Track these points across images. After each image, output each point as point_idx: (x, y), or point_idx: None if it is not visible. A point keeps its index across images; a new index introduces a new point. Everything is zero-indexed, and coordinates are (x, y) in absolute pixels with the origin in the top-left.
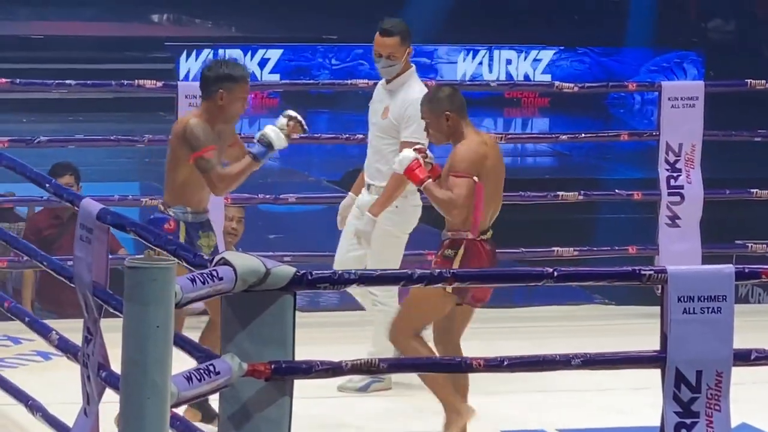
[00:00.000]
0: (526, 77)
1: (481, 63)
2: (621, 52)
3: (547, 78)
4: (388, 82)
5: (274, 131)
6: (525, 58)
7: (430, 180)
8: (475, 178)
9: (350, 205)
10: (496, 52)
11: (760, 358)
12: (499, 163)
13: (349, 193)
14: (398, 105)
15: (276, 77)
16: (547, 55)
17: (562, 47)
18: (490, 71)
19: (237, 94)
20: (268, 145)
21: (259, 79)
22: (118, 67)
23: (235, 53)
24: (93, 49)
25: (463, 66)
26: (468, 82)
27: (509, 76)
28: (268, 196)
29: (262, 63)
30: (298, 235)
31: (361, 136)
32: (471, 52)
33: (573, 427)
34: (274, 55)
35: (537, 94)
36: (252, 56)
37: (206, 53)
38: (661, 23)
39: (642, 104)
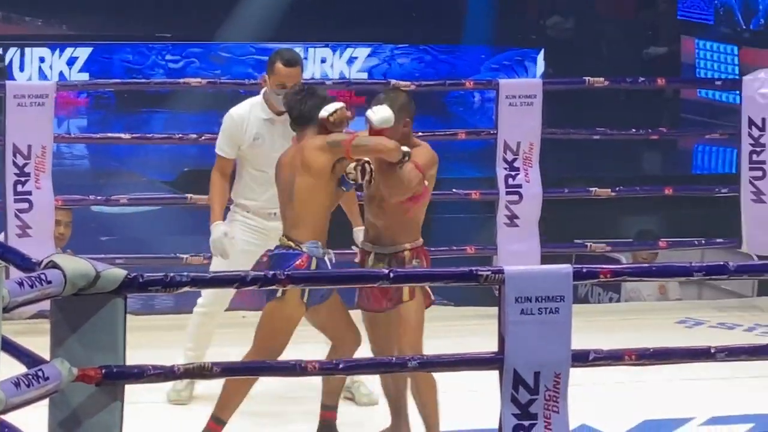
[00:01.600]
0: (342, 76)
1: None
2: (460, 49)
3: (364, 76)
4: (280, 113)
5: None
6: (340, 56)
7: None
8: (426, 182)
9: (225, 233)
10: (310, 51)
11: (599, 358)
12: None
13: (217, 222)
14: None
15: (85, 76)
16: (362, 52)
17: (403, 45)
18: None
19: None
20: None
21: (67, 78)
22: None
23: (43, 52)
24: None
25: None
26: (310, 80)
27: (324, 74)
28: (99, 197)
29: (71, 61)
30: (131, 237)
31: (194, 135)
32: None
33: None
34: (83, 53)
35: (353, 93)
36: (60, 54)
37: (13, 52)
38: (500, 21)
39: (481, 102)
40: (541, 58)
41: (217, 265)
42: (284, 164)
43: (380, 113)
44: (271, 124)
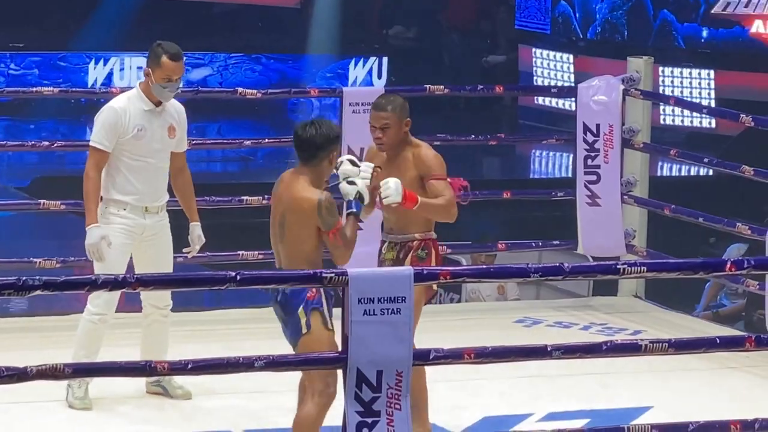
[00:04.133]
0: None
1: (112, 70)
2: (303, 58)
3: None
4: (158, 104)
5: (365, 186)
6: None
7: (419, 199)
8: (448, 179)
9: (103, 236)
10: (126, 59)
11: (439, 357)
12: None
13: (94, 225)
14: (181, 118)
15: None
16: (136, 62)
17: (239, 54)
18: (121, 78)
19: (336, 154)
20: (361, 199)
21: None
22: None
23: None
24: None
25: (94, 73)
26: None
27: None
28: None
29: None
30: None
31: (46, 143)
32: (102, 59)
33: (257, 428)
34: None
35: None
36: None
37: None
38: (343, 30)
39: (320, 110)
40: (352, 66)
41: (100, 269)
42: (278, 194)
43: (390, 189)
44: (151, 115)
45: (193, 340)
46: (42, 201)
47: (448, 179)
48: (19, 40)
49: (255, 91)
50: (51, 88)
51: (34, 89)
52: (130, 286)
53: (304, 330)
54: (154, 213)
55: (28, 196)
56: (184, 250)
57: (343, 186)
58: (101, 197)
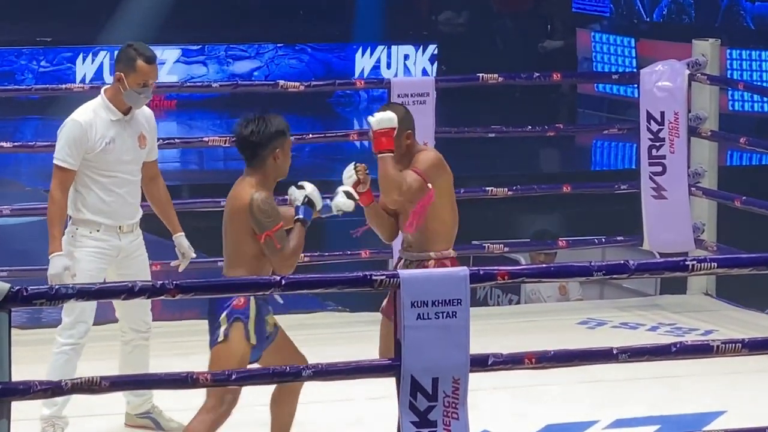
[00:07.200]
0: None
1: (102, 64)
2: (349, 47)
3: (173, 78)
4: (126, 112)
5: (316, 190)
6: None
7: (391, 154)
8: (429, 185)
9: (67, 268)
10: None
11: (498, 362)
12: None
13: (58, 254)
14: (150, 125)
15: None
16: (172, 54)
17: (280, 44)
18: (111, 72)
19: (288, 148)
20: (312, 205)
21: None
22: None
23: None
24: None
25: (83, 69)
26: (189, 84)
27: None
28: None
29: None
30: (15, 249)
31: None
32: (91, 53)
33: None
34: None
35: (163, 96)
36: None
37: None
38: (391, 17)
39: (368, 102)
40: (359, 55)
41: None
42: (227, 199)
43: (378, 115)
44: (120, 125)
45: None
46: None
47: (430, 186)
48: (46, 34)
49: (298, 84)
50: (81, 85)
51: (64, 86)
52: (168, 293)
53: (221, 338)
54: (128, 232)
55: None
56: (172, 264)
57: (291, 190)
58: (69, 217)
